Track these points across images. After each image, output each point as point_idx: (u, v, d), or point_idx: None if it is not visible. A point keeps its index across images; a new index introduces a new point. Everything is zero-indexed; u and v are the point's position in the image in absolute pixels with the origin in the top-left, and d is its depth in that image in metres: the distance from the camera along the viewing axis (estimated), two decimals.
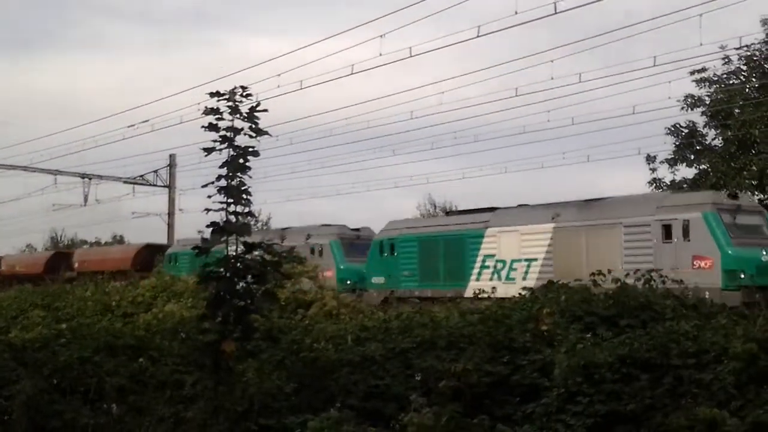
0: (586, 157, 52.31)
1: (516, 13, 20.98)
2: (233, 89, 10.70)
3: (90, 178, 49.88)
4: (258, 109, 10.76)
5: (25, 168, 49.01)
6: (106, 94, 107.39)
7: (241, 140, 10.81)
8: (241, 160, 10.72)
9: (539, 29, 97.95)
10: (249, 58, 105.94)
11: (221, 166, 10.73)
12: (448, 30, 54.02)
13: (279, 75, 28.29)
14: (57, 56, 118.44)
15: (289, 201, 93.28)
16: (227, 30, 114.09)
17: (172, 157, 50.29)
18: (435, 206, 65.17)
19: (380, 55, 24.60)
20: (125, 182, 50.58)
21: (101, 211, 62.58)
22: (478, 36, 23.15)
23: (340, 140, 38.20)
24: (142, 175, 50.23)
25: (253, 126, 10.71)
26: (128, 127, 39.94)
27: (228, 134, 10.73)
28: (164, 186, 50.60)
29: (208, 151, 10.79)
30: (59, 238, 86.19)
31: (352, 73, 27.10)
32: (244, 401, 11.15)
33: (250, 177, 10.81)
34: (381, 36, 24.19)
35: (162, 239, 48.91)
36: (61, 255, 55.82)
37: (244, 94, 10.72)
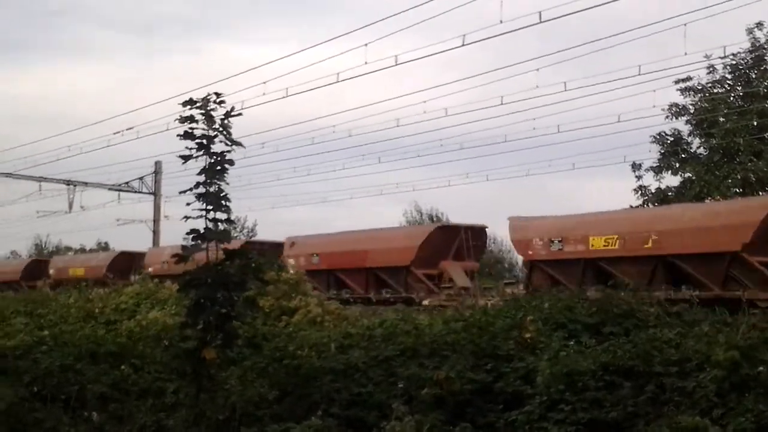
0: (571, 164, 52.47)
1: (501, 22, 20.89)
2: (206, 96, 10.72)
3: (75, 185, 49.63)
4: (232, 113, 10.77)
5: (9, 175, 48.73)
6: (89, 102, 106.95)
7: (219, 147, 10.82)
8: (219, 167, 10.73)
9: (524, 38, 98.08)
10: (234, 67, 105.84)
11: (199, 173, 10.74)
12: (433, 39, 54.03)
13: (264, 83, 28.19)
14: (39, 63, 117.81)
15: (274, 208, 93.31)
16: (211, 39, 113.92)
17: (157, 164, 50.11)
18: (421, 214, 65.29)
19: (365, 63, 24.56)
20: (110, 189, 50.38)
21: (86, 218, 62.87)
22: (463, 45, 23.07)
23: (325, 147, 38.10)
24: (127, 182, 50.05)
25: (227, 135, 10.72)
26: (114, 134, 39.70)
27: (204, 142, 10.73)
28: (150, 193, 50.42)
29: (185, 158, 10.83)
30: (43, 245, 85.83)
31: (337, 81, 26.99)
32: (225, 409, 11.10)
33: (227, 183, 10.84)
34: (365, 45, 24.13)
35: (148, 246, 48.67)
36: None
37: (218, 101, 10.73)
